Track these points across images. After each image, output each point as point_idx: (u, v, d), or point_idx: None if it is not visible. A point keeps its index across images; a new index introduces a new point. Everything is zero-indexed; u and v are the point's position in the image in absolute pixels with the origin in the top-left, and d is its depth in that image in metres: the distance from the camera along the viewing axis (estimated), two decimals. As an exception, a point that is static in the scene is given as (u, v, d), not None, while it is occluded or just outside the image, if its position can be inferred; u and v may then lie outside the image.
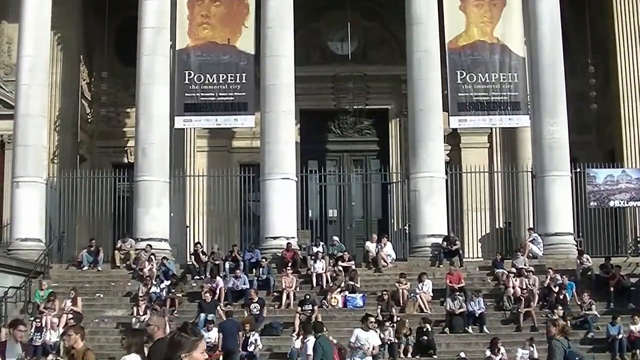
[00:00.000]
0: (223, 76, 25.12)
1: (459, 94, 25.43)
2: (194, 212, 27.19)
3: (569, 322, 19.03)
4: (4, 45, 28.38)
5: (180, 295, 22.49)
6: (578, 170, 25.46)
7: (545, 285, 22.44)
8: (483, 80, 25.46)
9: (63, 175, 26.20)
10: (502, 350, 19.31)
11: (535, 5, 25.37)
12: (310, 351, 15.41)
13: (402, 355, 20.24)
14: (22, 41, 25.36)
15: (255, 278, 23.02)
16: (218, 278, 22.70)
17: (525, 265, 23.28)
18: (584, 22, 28.79)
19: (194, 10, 25.41)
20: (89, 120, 29.96)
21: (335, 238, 25.32)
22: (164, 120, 25.16)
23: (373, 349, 16.85)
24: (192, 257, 24.31)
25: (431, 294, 22.37)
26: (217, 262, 23.69)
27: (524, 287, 22.31)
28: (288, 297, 22.27)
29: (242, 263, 23.59)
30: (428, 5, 25.09)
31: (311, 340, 15.47)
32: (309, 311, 21.03)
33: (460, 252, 24.42)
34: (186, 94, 25.19)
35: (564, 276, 22.57)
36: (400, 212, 26.33)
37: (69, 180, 25.89)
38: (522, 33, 25.64)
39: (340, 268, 23.36)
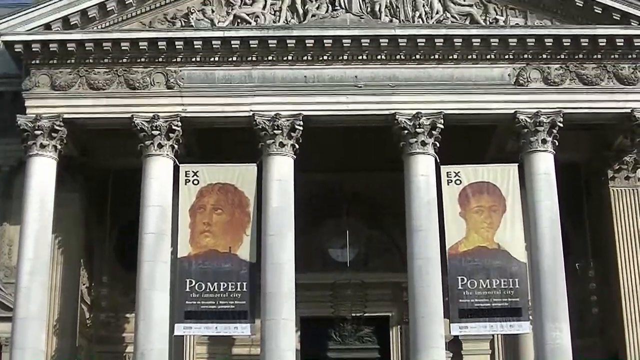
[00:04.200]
0: (224, 284, 25.10)
1: (460, 301, 25.29)
2: (192, 420, 26.72)
3: None
4: (5, 247, 28.49)
5: None
6: (582, 375, 25.17)
7: None
8: (484, 286, 25.37)
9: (60, 380, 25.80)
10: None
11: (535, 210, 25.60)
12: None
13: None
14: (23, 244, 25.38)
15: None
16: None
17: None
18: (583, 226, 29.11)
19: (196, 218, 25.66)
20: (88, 324, 29.71)
21: None
22: (164, 326, 24.90)
23: None
24: None
25: None
26: None
27: None
28: None
29: None
30: (429, 212, 25.33)
31: None
32: None
33: None
34: (187, 302, 25.10)
35: None
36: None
37: (66, 385, 25.49)
38: (523, 238, 25.76)
39: None
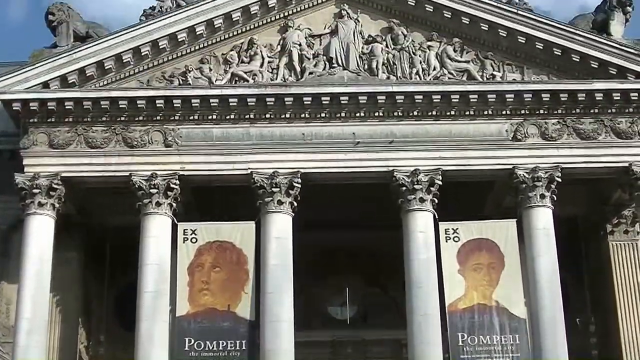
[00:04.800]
0: (223, 343, 24.96)
1: (461, 357, 25.18)
2: None
3: None
4: (3, 306, 28.29)
5: None
6: None
7: None
8: (484, 342, 25.23)
9: None
10: None
11: (534, 265, 25.55)
12: None
13: None
14: (21, 303, 25.31)
15: None
16: None
17: None
18: (582, 281, 29.01)
19: (194, 277, 25.58)
20: (86, 384, 29.60)
21: None
22: (163, 385, 24.84)
23: None
24: None
25: None
26: None
27: None
28: None
29: None
30: (428, 269, 25.27)
31: None
32: None
33: None
34: (186, 360, 25.09)
35: None
36: None
37: None
38: (522, 294, 25.64)
39: None
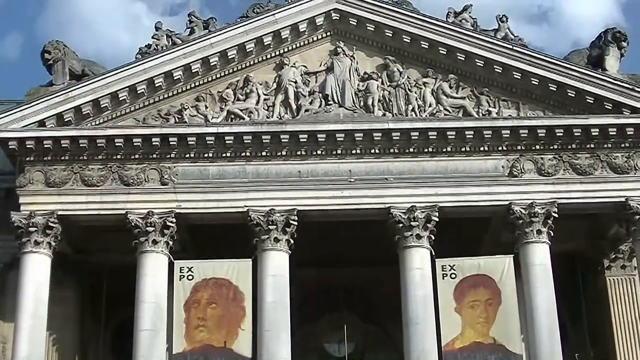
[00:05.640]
0: (219, 380, 24.94)
1: (458, 392, 25.10)
2: None
3: None
4: (-1, 345, 28.26)
5: None
6: None
7: None
8: (482, 379, 25.22)
9: None
10: None
11: (531, 301, 25.46)
12: None
13: None
14: (17, 341, 25.21)
15: None
16: None
17: None
18: (580, 316, 28.93)
19: (190, 313, 25.46)
20: None
21: None
22: None
23: None
24: None
25: None
26: None
27: None
28: None
29: None
30: (425, 305, 25.20)
31: None
32: None
33: None
34: (183, 397, 24.89)
35: None
36: None
37: None
38: (519, 330, 25.55)
39: None
